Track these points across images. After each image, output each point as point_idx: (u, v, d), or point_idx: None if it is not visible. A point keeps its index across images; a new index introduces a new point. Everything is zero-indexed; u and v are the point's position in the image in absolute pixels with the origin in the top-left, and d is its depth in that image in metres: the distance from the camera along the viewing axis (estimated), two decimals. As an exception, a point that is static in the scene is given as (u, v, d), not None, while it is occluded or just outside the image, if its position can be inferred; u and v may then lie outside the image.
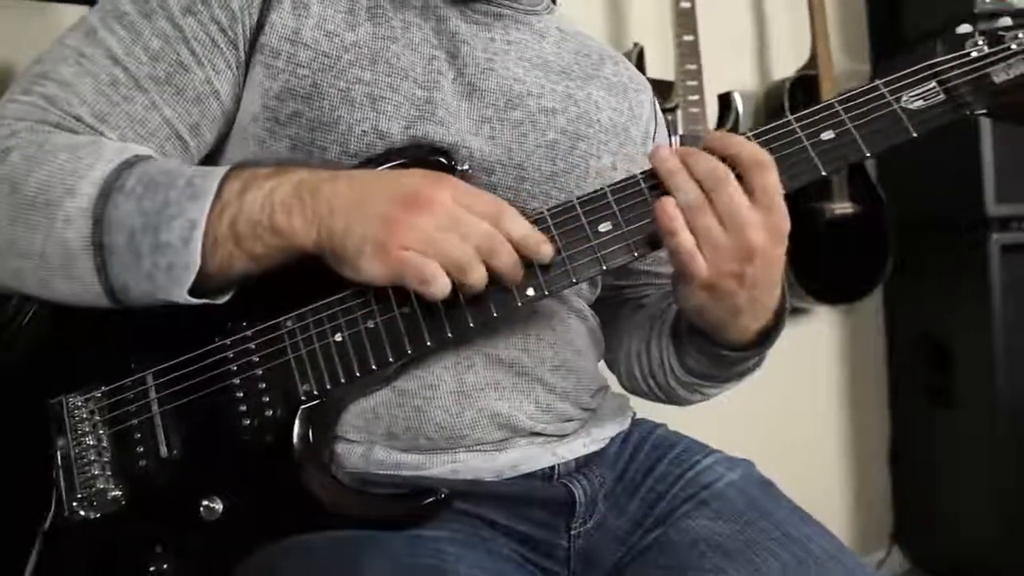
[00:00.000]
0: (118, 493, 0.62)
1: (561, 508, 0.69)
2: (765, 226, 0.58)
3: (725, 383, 0.76)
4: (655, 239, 0.61)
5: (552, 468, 0.69)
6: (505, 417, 0.66)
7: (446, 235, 0.56)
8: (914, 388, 1.91)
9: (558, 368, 0.70)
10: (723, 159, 0.59)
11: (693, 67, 1.52)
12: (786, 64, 1.84)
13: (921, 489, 1.92)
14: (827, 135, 0.61)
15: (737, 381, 0.75)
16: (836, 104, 0.62)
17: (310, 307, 0.62)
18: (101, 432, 0.63)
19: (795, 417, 1.88)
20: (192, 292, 0.58)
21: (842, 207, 1.71)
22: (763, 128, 0.62)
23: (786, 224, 0.59)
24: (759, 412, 1.68)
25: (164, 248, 0.57)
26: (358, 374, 0.61)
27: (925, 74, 0.63)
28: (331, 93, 0.65)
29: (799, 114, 0.62)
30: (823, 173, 0.61)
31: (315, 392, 0.61)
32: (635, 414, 0.82)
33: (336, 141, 0.65)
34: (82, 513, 0.62)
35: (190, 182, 0.58)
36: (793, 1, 1.83)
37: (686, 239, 0.58)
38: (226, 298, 0.61)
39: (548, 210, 0.62)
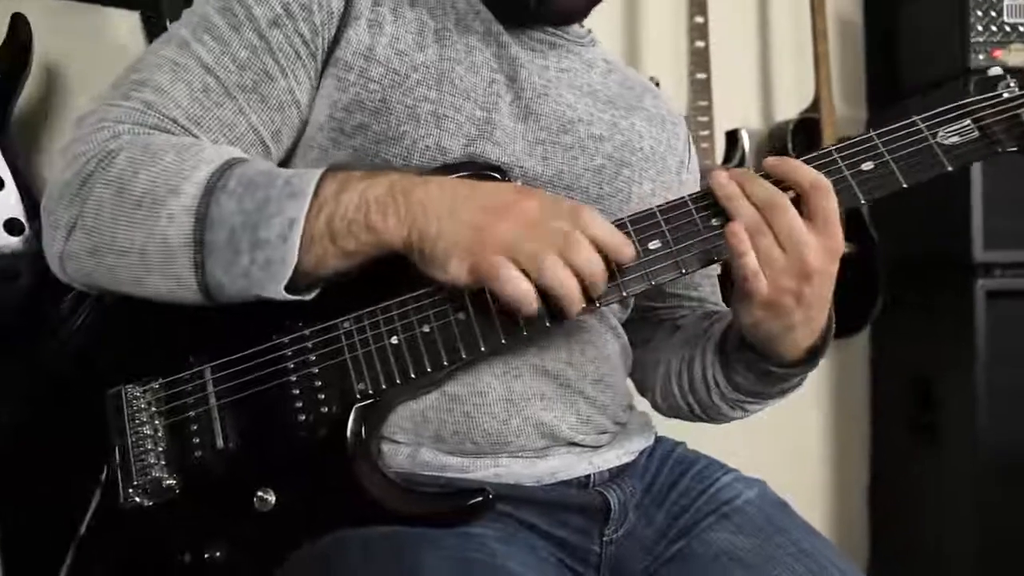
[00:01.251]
0: (172, 482, 0.64)
1: (596, 515, 0.72)
2: (822, 247, 0.61)
3: (769, 399, 0.79)
4: (704, 257, 0.64)
5: (588, 477, 0.72)
6: (549, 426, 0.69)
7: (527, 238, 0.59)
8: (897, 423, 1.96)
9: (598, 382, 0.73)
10: (778, 183, 0.63)
11: (704, 104, 1.58)
12: (788, 106, 1.91)
13: (899, 522, 1.97)
14: (867, 166, 0.65)
15: (780, 398, 0.78)
16: (875, 137, 0.66)
17: (367, 310, 0.65)
18: (157, 423, 0.66)
19: (778, 446, 1.92)
20: (285, 288, 0.61)
21: (838, 246, 1.76)
22: (805, 157, 0.66)
23: (841, 245, 0.63)
24: (742, 439, 1.72)
25: (263, 244, 0.60)
26: (412, 376, 0.64)
27: (960, 112, 0.67)
28: (398, 109, 0.68)
29: (839, 144, 0.66)
30: (862, 201, 0.65)
31: (370, 391, 0.64)
32: (657, 431, 0.85)
33: (399, 155, 0.68)
34: (137, 499, 0.64)
35: (288, 182, 0.61)
36: (798, 47, 1.91)
37: (752, 260, 0.62)
38: (314, 295, 0.63)
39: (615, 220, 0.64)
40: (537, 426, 0.69)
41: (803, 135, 1.75)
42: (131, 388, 0.67)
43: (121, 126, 0.65)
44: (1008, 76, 0.67)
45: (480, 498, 0.63)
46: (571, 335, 0.72)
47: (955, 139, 0.65)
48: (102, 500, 0.65)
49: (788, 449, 1.95)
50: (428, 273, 0.62)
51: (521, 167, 0.72)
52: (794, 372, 0.72)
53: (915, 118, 0.66)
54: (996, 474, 1.65)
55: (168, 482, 0.64)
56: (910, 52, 1.92)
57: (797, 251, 0.61)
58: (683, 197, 0.66)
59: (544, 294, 0.60)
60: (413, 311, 0.65)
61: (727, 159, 1.71)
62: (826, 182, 0.62)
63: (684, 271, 0.64)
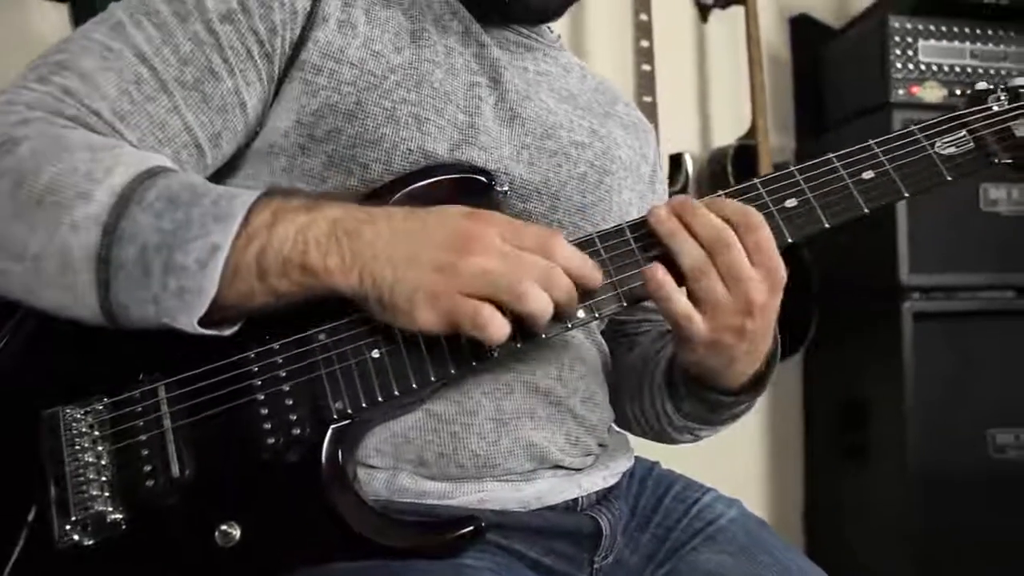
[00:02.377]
0: (118, 516, 0.57)
1: (586, 540, 0.68)
2: (764, 282, 0.59)
3: (719, 425, 0.78)
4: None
5: (575, 500, 0.68)
6: (539, 448, 0.65)
7: (501, 272, 0.55)
8: (830, 446, 2.01)
9: (587, 400, 0.70)
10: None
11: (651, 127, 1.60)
12: (724, 133, 1.96)
13: (834, 545, 2.01)
14: (867, 175, 0.64)
15: (731, 422, 0.77)
16: (875, 146, 0.65)
17: (344, 321, 0.60)
18: (101, 448, 0.58)
19: (713, 471, 1.92)
20: (200, 320, 0.54)
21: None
22: (809, 164, 0.65)
23: (783, 274, 0.60)
24: (680, 460, 1.72)
25: (177, 270, 0.53)
26: (396, 393, 0.59)
27: (954, 123, 0.67)
28: (375, 112, 0.64)
29: (840, 153, 0.65)
30: (865, 211, 0.64)
31: (348, 411, 0.58)
32: (633, 451, 0.83)
33: (379, 159, 0.64)
34: (75, 538, 0.56)
35: (216, 202, 0.55)
36: (733, 74, 1.96)
37: (681, 304, 0.59)
38: (231, 331, 0.58)
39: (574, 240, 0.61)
40: (527, 447, 0.65)
41: (743, 160, 1.79)
42: (70, 409, 0.58)
43: (33, 112, 0.57)
44: (998, 89, 0.68)
45: (471, 527, 0.58)
46: (560, 350, 0.69)
47: (952, 150, 0.66)
48: (29, 541, 0.57)
49: (724, 475, 1.95)
50: (392, 323, 0.57)
51: (508, 173, 0.68)
52: (740, 400, 0.71)
53: (913, 127, 0.66)
54: (926, 493, 1.71)
55: (113, 516, 0.56)
56: (834, 87, 2.01)
57: (741, 288, 0.59)
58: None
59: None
60: None
61: (671, 182, 1.73)
62: (757, 217, 0.60)
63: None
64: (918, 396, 1.73)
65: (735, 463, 2.03)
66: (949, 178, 0.65)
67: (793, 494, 2.10)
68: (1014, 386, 1.76)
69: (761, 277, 0.59)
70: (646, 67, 1.61)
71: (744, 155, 1.82)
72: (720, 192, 0.63)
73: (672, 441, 0.82)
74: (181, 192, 0.55)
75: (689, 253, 0.59)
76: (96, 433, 0.58)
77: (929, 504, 1.71)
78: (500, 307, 0.55)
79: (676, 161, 1.75)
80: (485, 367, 0.62)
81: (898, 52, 1.80)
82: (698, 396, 0.72)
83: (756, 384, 0.69)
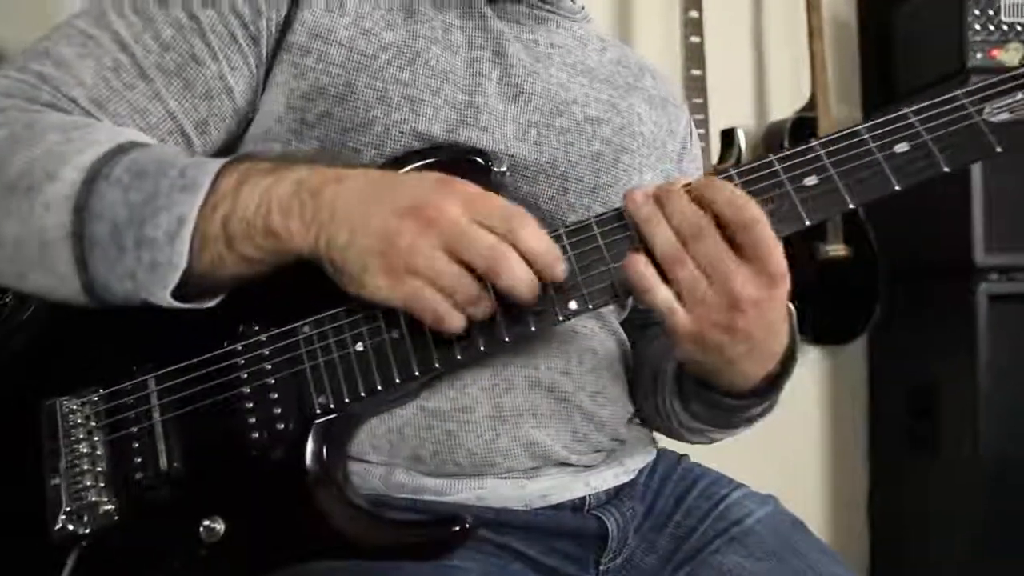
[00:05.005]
0: (111, 507, 0.57)
1: (592, 541, 0.64)
2: (753, 275, 0.53)
3: (732, 428, 0.71)
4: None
5: (583, 499, 0.65)
6: (541, 447, 0.62)
7: (447, 263, 0.52)
8: (895, 435, 1.91)
9: (597, 395, 0.66)
10: (705, 203, 0.54)
11: (699, 101, 1.53)
12: (783, 105, 1.86)
13: (899, 537, 1.91)
14: (901, 147, 0.57)
15: (746, 426, 0.70)
16: (911, 115, 0.58)
17: (330, 312, 0.58)
18: (96, 439, 0.58)
19: (770, 458, 1.86)
20: (178, 294, 0.53)
21: (835, 248, 1.71)
22: (834, 135, 0.58)
23: (781, 267, 0.54)
24: (733, 450, 1.66)
25: (148, 243, 0.52)
26: (379, 388, 0.56)
27: (1011, 85, 0.58)
28: (366, 93, 0.62)
29: (870, 123, 0.58)
30: (896, 188, 0.57)
31: (331, 406, 0.57)
32: (657, 444, 0.78)
33: (371, 143, 0.61)
34: (70, 528, 0.56)
35: (183, 172, 0.54)
36: (793, 45, 1.86)
37: (662, 295, 0.54)
38: (212, 304, 0.56)
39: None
40: (528, 446, 0.61)
41: (801, 134, 1.69)
42: (67, 400, 0.59)
43: (8, 100, 0.57)
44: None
45: (459, 527, 0.55)
46: (568, 341, 0.65)
47: (1005, 116, 0.57)
48: (27, 530, 0.57)
49: (783, 462, 1.89)
50: (346, 289, 0.55)
51: (511, 154, 0.65)
52: (751, 403, 0.64)
53: (957, 92, 0.58)
54: (998, 486, 1.60)
55: (106, 507, 0.56)
56: (906, 52, 1.88)
57: (722, 283, 0.53)
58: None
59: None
60: (382, 314, 0.57)
61: (722, 159, 1.65)
62: (751, 213, 0.53)
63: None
64: (992, 383, 1.62)
65: (794, 452, 1.95)
66: (999, 149, 0.57)
67: (856, 484, 2.01)
68: (1096, 373, 1.62)
69: (751, 271, 0.53)
70: (695, 39, 1.53)
71: (803, 128, 1.72)
72: (731, 170, 0.58)
73: (686, 441, 0.77)
74: (148, 165, 0.54)
75: (661, 241, 0.54)
76: (92, 424, 0.58)
77: (1001, 497, 1.60)
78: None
79: (728, 136, 1.66)
80: (475, 362, 0.59)
81: (977, 12, 1.66)
82: (704, 398, 0.66)
83: (770, 387, 0.62)
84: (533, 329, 0.56)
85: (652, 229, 0.55)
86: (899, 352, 1.91)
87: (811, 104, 1.74)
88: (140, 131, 0.59)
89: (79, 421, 0.58)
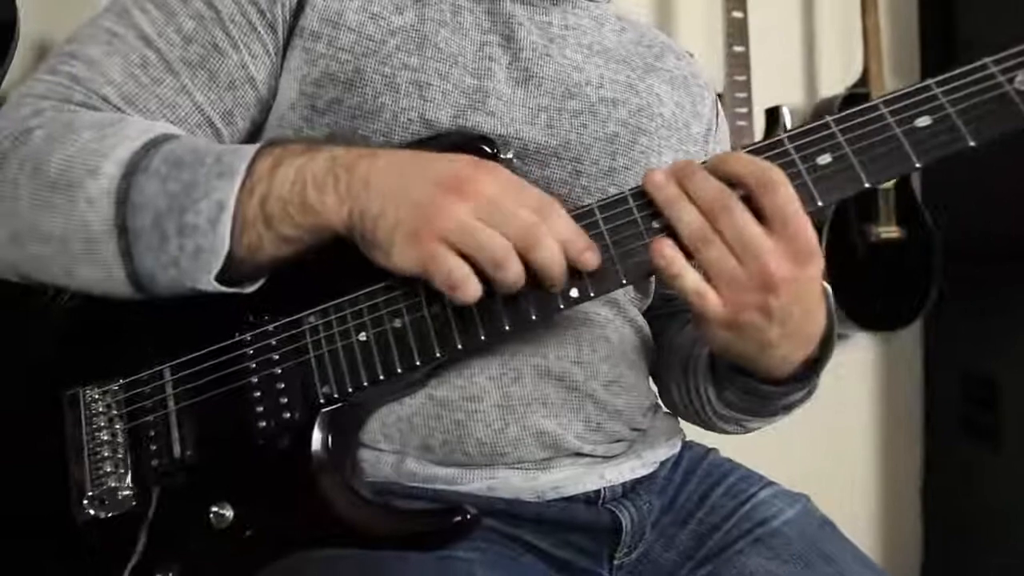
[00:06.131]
0: (129, 492, 0.58)
1: (605, 535, 0.63)
2: (785, 252, 0.51)
3: (769, 417, 0.69)
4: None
5: (597, 492, 0.63)
6: (552, 436, 0.61)
7: (483, 226, 0.51)
8: (952, 425, 1.84)
9: (611, 384, 0.64)
10: (725, 179, 0.53)
11: (742, 78, 1.47)
12: (833, 82, 1.78)
13: (954, 532, 1.84)
14: (923, 121, 0.54)
15: (784, 414, 0.68)
16: (934, 86, 0.54)
17: (334, 303, 0.58)
18: (117, 427, 0.59)
19: (820, 446, 1.81)
20: (221, 279, 0.54)
21: (887, 230, 1.64)
22: (850, 112, 0.55)
23: (811, 243, 0.52)
24: (785, 438, 1.61)
25: (190, 231, 0.53)
26: (381, 377, 0.56)
27: None
28: (375, 79, 0.61)
29: (888, 97, 0.55)
30: (917, 165, 0.54)
31: (335, 395, 0.57)
32: (685, 436, 0.76)
33: (379, 130, 0.61)
34: (91, 512, 0.58)
35: (219, 159, 0.54)
36: (844, 18, 1.78)
37: (691, 279, 0.52)
38: (255, 287, 0.57)
39: None
40: (538, 436, 0.61)
41: (851, 111, 1.62)
42: (90, 389, 0.60)
43: (45, 102, 0.58)
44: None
45: (459, 518, 0.55)
46: (580, 329, 0.63)
47: None
48: (53, 514, 0.59)
49: (834, 452, 1.84)
50: (374, 260, 0.54)
51: (520, 138, 0.63)
52: (789, 390, 0.61)
53: (985, 60, 0.54)
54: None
55: (125, 492, 0.58)
56: (971, 20, 1.78)
57: (753, 260, 0.51)
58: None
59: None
60: (384, 303, 0.57)
61: (766, 139, 1.59)
62: (774, 175, 0.51)
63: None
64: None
65: (845, 442, 1.89)
66: None
67: (910, 475, 1.94)
68: None
69: (779, 245, 0.51)
70: (737, 14, 1.48)
71: (855, 104, 1.65)
72: (739, 151, 0.55)
73: (720, 431, 0.75)
74: (184, 155, 0.55)
75: (687, 222, 0.52)
76: (113, 412, 0.60)
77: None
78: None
79: (773, 115, 1.60)
80: (478, 350, 0.58)
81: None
82: (740, 385, 0.64)
83: (809, 371, 0.60)
84: (534, 317, 0.55)
85: (677, 209, 0.53)
86: (956, 337, 1.83)
87: (863, 79, 1.67)
88: (170, 123, 0.60)
89: (100, 410, 0.60)
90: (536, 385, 0.61)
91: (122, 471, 0.58)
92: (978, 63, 0.54)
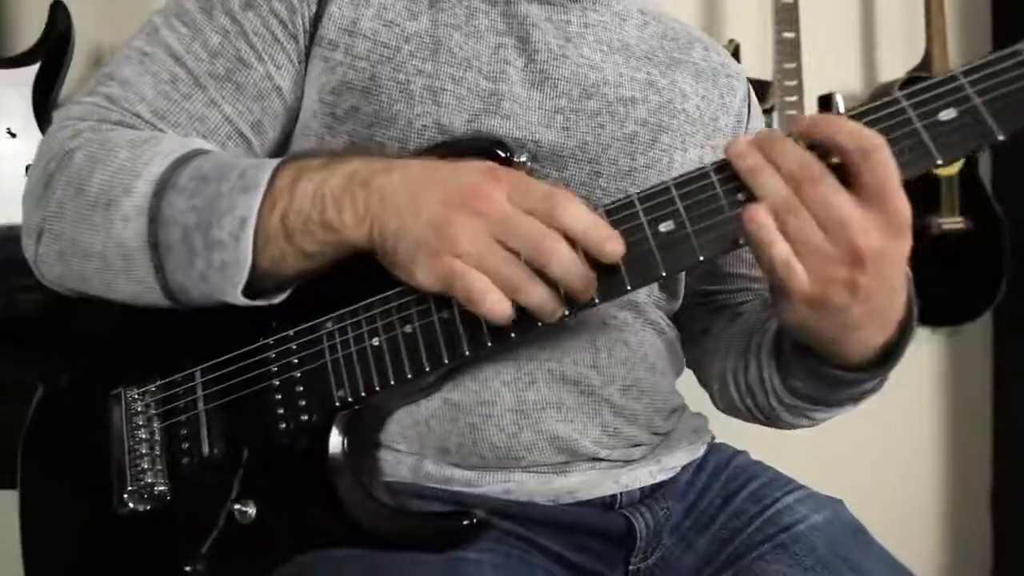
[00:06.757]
0: (163, 488, 0.61)
1: (620, 540, 0.63)
2: (875, 225, 0.49)
3: (838, 407, 0.66)
4: (727, 241, 0.53)
5: (614, 497, 0.63)
6: (566, 440, 0.61)
7: (497, 248, 0.51)
8: (1022, 426, 1.74)
9: (629, 388, 0.64)
10: (814, 146, 0.50)
11: (792, 66, 1.43)
12: (893, 66, 1.71)
13: (1027, 536, 1.75)
14: (947, 114, 0.51)
15: (852, 405, 0.65)
16: (960, 76, 0.51)
17: (350, 308, 0.59)
18: (155, 426, 0.63)
19: (885, 448, 1.74)
20: (248, 292, 0.56)
21: (952, 221, 1.57)
22: (874, 105, 0.52)
23: (906, 216, 0.49)
24: (845, 440, 1.56)
25: (217, 245, 0.55)
26: (392, 382, 0.57)
27: None
28: (390, 86, 0.62)
29: (910, 90, 0.52)
30: (939, 161, 0.51)
31: (349, 399, 0.58)
32: (713, 438, 0.75)
33: (395, 137, 0.62)
34: (131, 505, 0.61)
35: (242, 174, 0.56)
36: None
37: (782, 249, 0.50)
38: (282, 298, 0.59)
39: (604, 206, 0.55)
40: (552, 440, 0.61)
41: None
42: (130, 390, 0.64)
43: (83, 123, 0.61)
44: None
45: (467, 521, 0.56)
46: (597, 333, 0.63)
47: None
48: (95, 506, 0.63)
49: (898, 456, 1.77)
50: (398, 277, 0.55)
51: (536, 140, 0.63)
52: (864, 377, 0.59)
53: (1019, 45, 0.50)
54: None
55: (160, 488, 0.61)
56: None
57: (841, 232, 0.48)
58: (705, 167, 0.54)
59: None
60: (396, 309, 0.58)
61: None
62: (873, 141, 0.48)
63: (702, 257, 0.53)
64: None
65: (910, 444, 1.81)
66: None
67: (979, 475, 1.85)
68: None
69: (869, 217, 0.48)
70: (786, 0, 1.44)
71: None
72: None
73: (786, 425, 0.72)
74: (210, 171, 0.57)
75: (773, 190, 0.50)
76: (152, 412, 0.63)
77: None
78: None
79: (826, 103, 1.55)
80: (485, 357, 0.58)
81: None
82: (812, 370, 0.61)
83: (884, 359, 0.57)
84: (540, 324, 0.55)
85: (761, 177, 0.51)
86: (1028, 332, 1.73)
87: (925, 62, 1.59)
88: (201, 136, 0.62)
89: (139, 409, 0.63)
90: (551, 390, 0.61)
91: (159, 467, 0.62)
92: (1011, 49, 0.51)
